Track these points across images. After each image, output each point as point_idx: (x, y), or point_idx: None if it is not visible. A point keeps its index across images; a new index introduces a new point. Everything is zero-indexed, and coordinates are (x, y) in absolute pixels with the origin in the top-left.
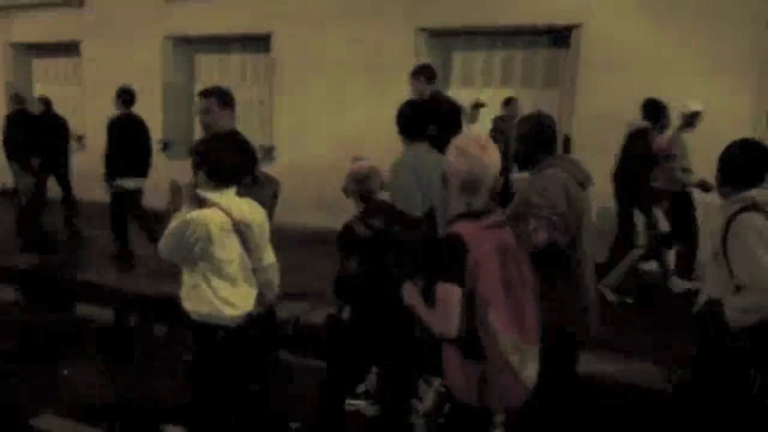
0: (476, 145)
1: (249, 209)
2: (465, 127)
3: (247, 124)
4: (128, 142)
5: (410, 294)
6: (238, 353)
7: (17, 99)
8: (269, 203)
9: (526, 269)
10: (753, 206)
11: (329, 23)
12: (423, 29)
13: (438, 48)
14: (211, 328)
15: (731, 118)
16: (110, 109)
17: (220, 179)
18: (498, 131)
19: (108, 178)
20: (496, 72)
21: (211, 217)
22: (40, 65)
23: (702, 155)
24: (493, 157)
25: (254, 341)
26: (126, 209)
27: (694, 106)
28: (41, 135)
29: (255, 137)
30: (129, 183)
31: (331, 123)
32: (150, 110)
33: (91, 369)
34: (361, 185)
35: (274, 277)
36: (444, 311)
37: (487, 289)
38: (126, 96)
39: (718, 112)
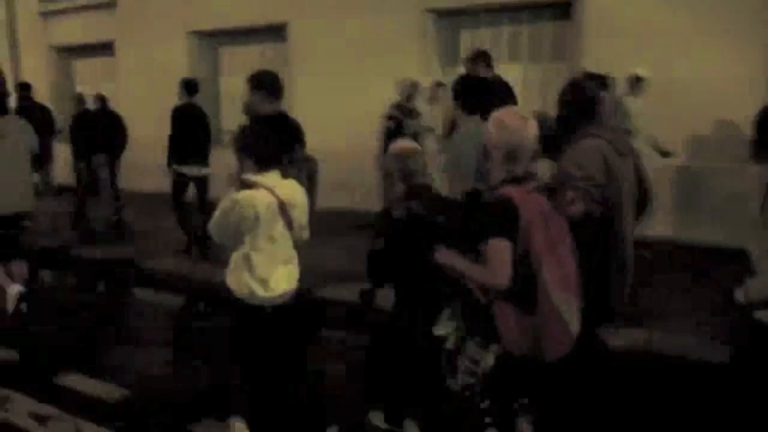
0: (516, 117)
1: (292, 190)
2: (425, 106)
3: None
4: (190, 130)
5: (447, 254)
6: (276, 332)
7: (80, 100)
8: (305, 184)
9: (565, 231)
10: None
11: (341, 10)
12: (430, 10)
13: (446, 28)
14: (251, 307)
15: (737, 83)
16: (144, 104)
17: (264, 163)
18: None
19: (170, 164)
20: (503, 48)
21: (258, 198)
22: (80, 65)
23: (708, 120)
24: (531, 128)
25: (295, 320)
26: (197, 196)
27: (638, 72)
28: (101, 132)
29: None
30: (192, 170)
31: (348, 106)
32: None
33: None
34: (402, 165)
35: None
36: (497, 264)
37: (539, 247)
38: (189, 86)
39: (723, 77)
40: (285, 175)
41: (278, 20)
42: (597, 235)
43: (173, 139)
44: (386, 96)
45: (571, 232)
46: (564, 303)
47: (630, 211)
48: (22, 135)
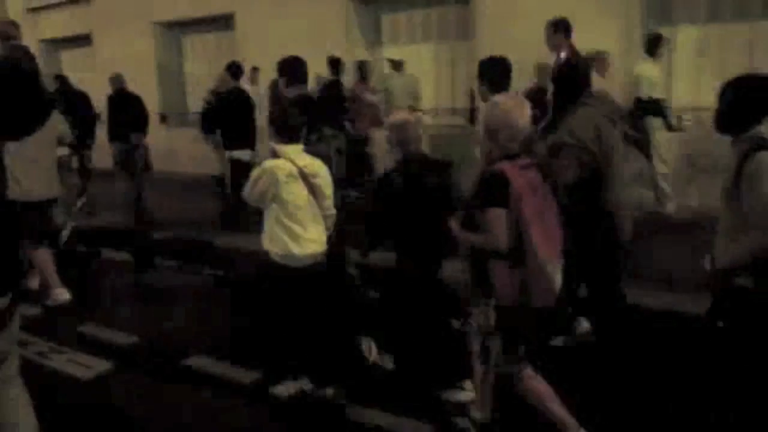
0: (512, 101)
1: (312, 161)
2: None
3: None
4: (237, 115)
5: (456, 229)
6: (312, 289)
7: (115, 81)
8: (334, 157)
9: (552, 200)
10: (764, 144)
11: (280, 1)
12: None
13: (367, 13)
14: (286, 266)
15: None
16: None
17: (285, 137)
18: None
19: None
20: (417, 30)
21: (278, 165)
22: (65, 56)
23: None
24: (527, 113)
25: (328, 279)
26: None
27: (397, 57)
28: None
29: None
30: (243, 155)
31: None
32: (147, 88)
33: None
34: (399, 134)
35: (332, 226)
36: (496, 229)
37: (528, 212)
38: (234, 69)
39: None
40: (315, 150)
41: (227, 11)
42: (590, 196)
43: (224, 125)
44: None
45: (568, 195)
46: (548, 261)
47: (619, 174)
48: (50, 124)
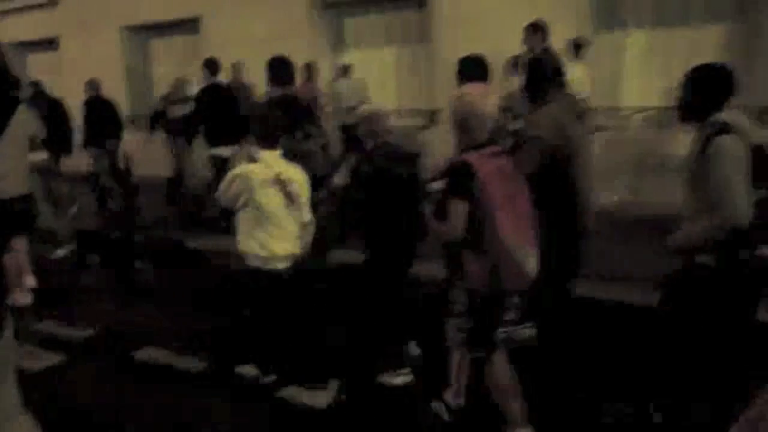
0: (477, 93)
1: (288, 167)
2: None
3: None
4: (217, 111)
5: (429, 216)
6: (287, 292)
7: (91, 86)
8: (320, 156)
9: (521, 185)
10: (725, 129)
11: (244, 5)
12: (316, 2)
13: (330, 17)
14: (261, 269)
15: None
16: (83, 91)
17: (264, 142)
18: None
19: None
20: (379, 33)
21: (253, 171)
22: (30, 60)
23: None
24: (490, 101)
25: (301, 282)
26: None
27: (347, 61)
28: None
29: None
30: (224, 151)
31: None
32: (115, 92)
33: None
34: (369, 126)
35: (308, 235)
36: (454, 220)
37: (493, 199)
38: (212, 66)
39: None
40: (293, 147)
41: (193, 15)
42: (552, 185)
43: (204, 122)
44: None
45: (529, 183)
46: (517, 246)
47: (584, 168)
48: (20, 119)
